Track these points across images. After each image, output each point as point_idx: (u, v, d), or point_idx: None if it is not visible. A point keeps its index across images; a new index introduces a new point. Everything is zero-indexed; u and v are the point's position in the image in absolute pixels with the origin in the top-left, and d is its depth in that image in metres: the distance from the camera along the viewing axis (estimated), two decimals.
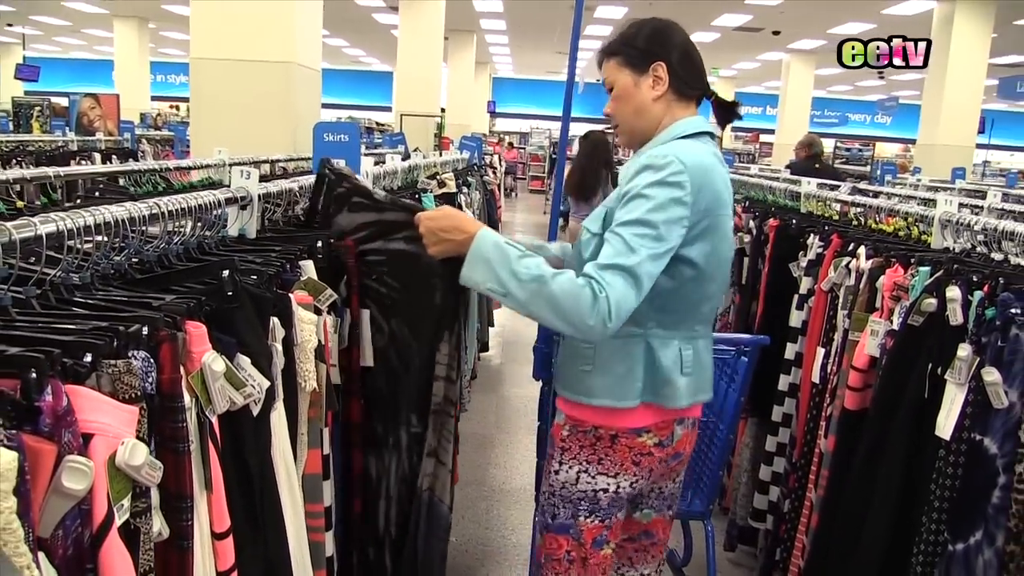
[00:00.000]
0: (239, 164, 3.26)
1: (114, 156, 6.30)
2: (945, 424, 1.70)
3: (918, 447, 1.83)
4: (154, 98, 18.37)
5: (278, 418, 1.24)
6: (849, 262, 2.34)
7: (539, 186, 19.96)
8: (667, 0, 9.76)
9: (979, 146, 12.19)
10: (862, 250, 2.29)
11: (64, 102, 9.11)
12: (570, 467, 1.59)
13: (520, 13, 13.74)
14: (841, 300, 2.37)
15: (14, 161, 5.06)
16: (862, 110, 25.24)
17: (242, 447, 1.09)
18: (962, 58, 9.63)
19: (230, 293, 1.11)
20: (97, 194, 2.55)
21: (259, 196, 1.59)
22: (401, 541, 1.75)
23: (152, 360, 0.89)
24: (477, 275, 1.43)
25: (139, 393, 0.85)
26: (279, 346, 1.20)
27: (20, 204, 1.95)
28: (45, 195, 2.41)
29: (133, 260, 1.22)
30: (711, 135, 1.64)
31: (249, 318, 1.13)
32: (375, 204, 1.71)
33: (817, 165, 6.68)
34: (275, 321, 1.22)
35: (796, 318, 2.68)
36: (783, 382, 2.72)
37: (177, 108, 19.92)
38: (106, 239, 1.12)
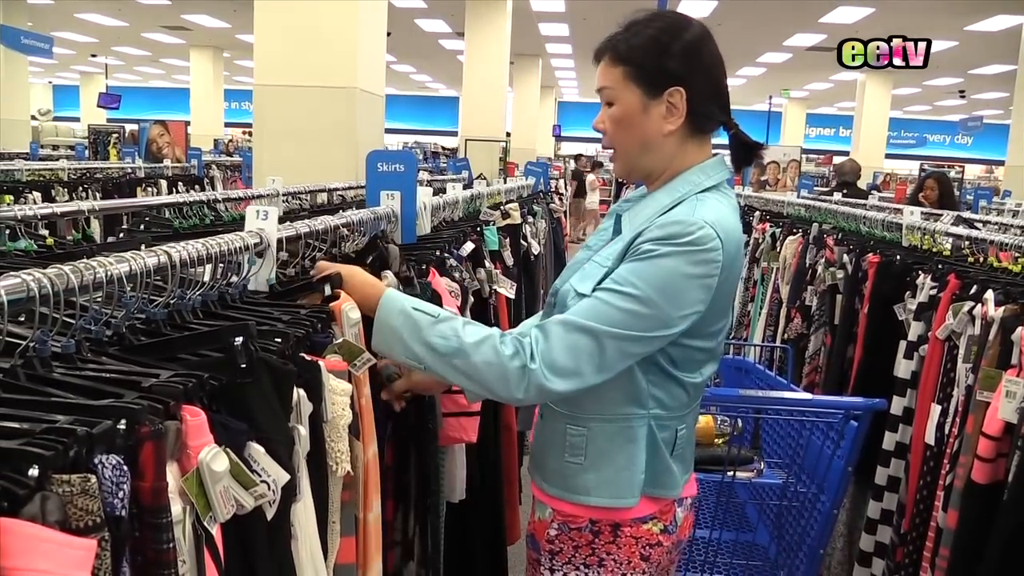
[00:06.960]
0: (292, 194, 3.11)
1: (180, 183, 6.33)
2: None
3: None
4: (228, 124, 18.85)
5: (304, 510, 1.03)
6: (972, 308, 2.03)
7: (605, 210, 19.68)
8: (736, 22, 9.44)
9: None
10: (990, 294, 1.97)
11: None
12: (564, 574, 1.33)
13: (586, 37, 13.57)
14: (962, 351, 2.06)
15: (81, 189, 5.09)
16: (941, 130, 24.25)
17: (254, 559, 0.87)
18: None
19: (244, 366, 0.90)
20: (142, 227, 2.43)
21: (278, 241, 1.37)
22: None
23: (126, 468, 0.68)
24: (386, 346, 1.25)
25: (98, 520, 0.64)
26: (302, 429, 0.98)
27: (50, 241, 1.80)
28: (79, 229, 2.28)
29: (137, 319, 1.02)
30: (729, 179, 1.35)
31: (266, 395, 0.91)
32: None
33: (844, 192, 5.89)
34: (301, 394, 1.01)
35: (904, 368, 2.36)
36: (888, 440, 2.39)
37: (249, 134, 20.38)
38: (100, 296, 0.93)
